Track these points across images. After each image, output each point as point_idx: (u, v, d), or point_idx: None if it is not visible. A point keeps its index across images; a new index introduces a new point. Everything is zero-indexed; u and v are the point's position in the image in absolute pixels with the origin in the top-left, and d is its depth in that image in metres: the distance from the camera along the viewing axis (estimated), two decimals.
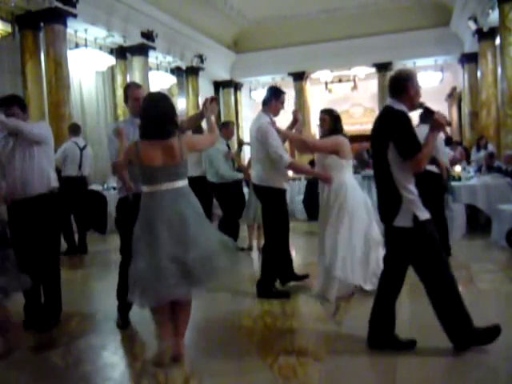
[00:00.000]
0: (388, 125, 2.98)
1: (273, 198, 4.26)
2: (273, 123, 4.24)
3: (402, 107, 2.97)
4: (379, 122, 3.10)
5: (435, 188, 5.34)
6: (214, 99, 3.34)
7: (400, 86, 3.03)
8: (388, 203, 3.07)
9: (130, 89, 3.69)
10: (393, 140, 2.91)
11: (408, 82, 3.02)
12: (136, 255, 2.90)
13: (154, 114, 2.92)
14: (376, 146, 3.10)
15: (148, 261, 2.81)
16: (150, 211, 2.88)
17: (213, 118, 3.32)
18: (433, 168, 5.28)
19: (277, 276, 4.46)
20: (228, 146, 6.37)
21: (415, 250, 3.03)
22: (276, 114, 4.34)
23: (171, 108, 3.01)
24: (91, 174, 7.46)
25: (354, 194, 4.27)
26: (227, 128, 6.49)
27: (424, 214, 2.96)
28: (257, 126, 4.25)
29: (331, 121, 4.37)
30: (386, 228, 3.19)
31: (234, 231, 6.22)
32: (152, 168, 2.89)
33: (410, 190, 2.96)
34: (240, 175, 6.40)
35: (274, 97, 4.31)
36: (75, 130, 7.05)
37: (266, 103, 4.33)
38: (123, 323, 3.71)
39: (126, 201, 3.50)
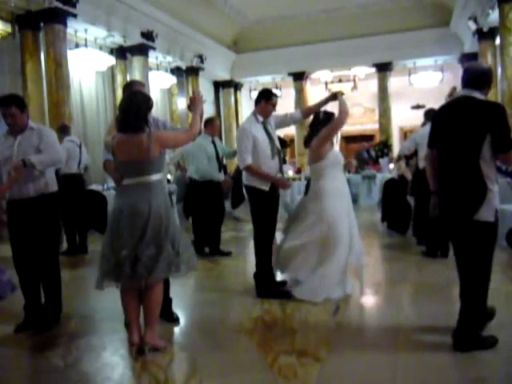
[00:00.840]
0: (488, 117, 2.88)
1: (254, 197, 4.30)
2: (263, 123, 4.31)
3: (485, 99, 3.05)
4: (472, 113, 2.94)
5: None
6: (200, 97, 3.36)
7: (486, 78, 3.07)
8: (471, 196, 3.00)
9: (132, 87, 3.69)
10: (491, 132, 2.86)
11: (491, 76, 3.11)
12: (103, 243, 3.14)
13: (125, 108, 3.04)
14: (466, 137, 2.94)
15: (110, 248, 3.05)
16: (118, 203, 3.10)
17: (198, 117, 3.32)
18: None
19: (272, 273, 4.44)
20: (213, 142, 6.23)
21: (484, 243, 3.12)
22: (266, 115, 4.36)
23: (143, 103, 3.07)
24: (91, 174, 7.49)
25: (334, 203, 4.21)
26: (212, 124, 6.35)
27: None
28: (240, 127, 4.43)
29: (324, 120, 4.39)
30: (459, 223, 3.09)
31: (204, 233, 6.22)
32: (122, 162, 3.07)
33: (494, 184, 3.04)
34: (221, 177, 6.20)
35: (264, 98, 4.35)
36: (66, 129, 7.18)
37: (256, 104, 4.41)
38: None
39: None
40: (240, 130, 4.39)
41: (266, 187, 4.25)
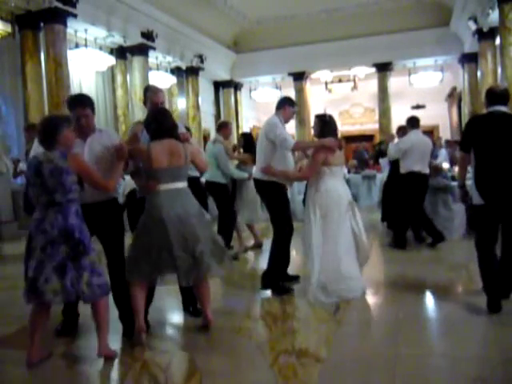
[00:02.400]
0: None
1: (275, 192, 4.42)
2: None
3: None
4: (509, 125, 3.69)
5: (422, 187, 6.20)
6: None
7: (508, 96, 3.78)
8: None
9: (149, 92, 3.81)
10: None
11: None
12: (142, 244, 3.33)
13: (162, 119, 3.40)
14: (509, 143, 3.66)
15: (157, 251, 3.26)
16: (156, 208, 3.28)
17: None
18: (423, 169, 6.13)
19: (283, 269, 4.55)
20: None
21: None
22: (287, 119, 4.56)
23: (174, 120, 3.56)
24: None
25: (327, 199, 4.23)
26: (226, 127, 6.43)
27: None
28: (266, 122, 4.54)
29: (319, 126, 4.44)
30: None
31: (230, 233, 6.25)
32: (159, 169, 3.29)
33: None
34: (245, 174, 6.29)
35: (288, 103, 4.55)
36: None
37: (279, 107, 4.54)
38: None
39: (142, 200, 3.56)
40: (271, 123, 4.44)
41: (287, 184, 4.54)
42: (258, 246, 6.65)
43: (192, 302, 3.89)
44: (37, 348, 3.06)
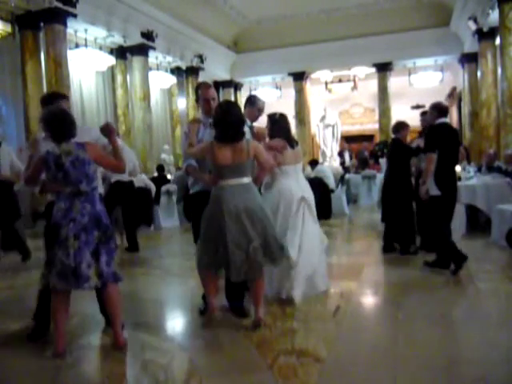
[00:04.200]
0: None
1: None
2: (251, 127, 4.21)
3: None
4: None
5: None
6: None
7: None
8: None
9: (203, 89, 3.84)
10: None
11: None
12: (207, 239, 3.44)
13: (230, 120, 3.39)
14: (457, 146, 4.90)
15: (214, 244, 3.38)
16: (220, 203, 3.37)
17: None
18: None
19: None
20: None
21: None
22: (252, 119, 4.37)
23: (242, 115, 3.55)
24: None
25: (280, 198, 4.20)
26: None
27: None
28: None
29: (269, 125, 4.32)
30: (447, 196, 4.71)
31: None
32: (223, 166, 3.39)
33: None
34: None
35: (248, 103, 4.44)
36: None
37: (243, 108, 4.37)
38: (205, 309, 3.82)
39: (197, 196, 3.74)
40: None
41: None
42: None
43: (238, 301, 3.85)
44: (63, 337, 3.15)
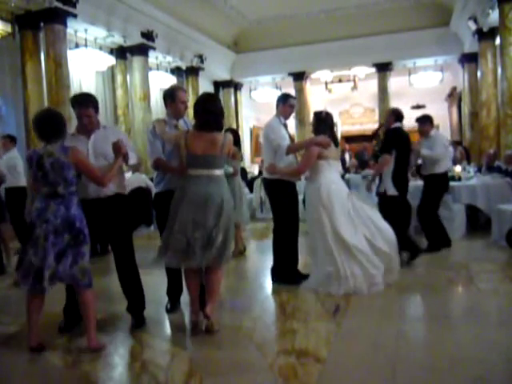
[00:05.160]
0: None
1: (279, 190, 4.59)
2: (284, 125, 4.70)
3: None
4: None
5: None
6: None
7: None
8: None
9: (180, 92, 3.93)
10: None
11: None
12: (168, 226, 3.46)
13: (210, 108, 3.46)
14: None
15: (182, 231, 3.36)
16: (184, 190, 3.41)
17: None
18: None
19: (291, 266, 4.65)
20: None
21: None
22: (286, 116, 4.79)
23: (222, 107, 3.62)
24: None
25: (330, 196, 4.35)
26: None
27: None
28: (266, 125, 4.78)
29: (315, 123, 4.62)
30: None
31: None
32: (194, 155, 3.41)
33: None
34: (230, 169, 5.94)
35: (282, 101, 4.74)
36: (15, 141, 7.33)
37: (276, 107, 4.77)
38: (171, 307, 4.02)
39: (165, 195, 3.74)
40: (268, 125, 4.70)
41: (295, 179, 4.70)
42: (239, 253, 6.20)
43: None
44: (35, 333, 3.24)
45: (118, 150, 3.42)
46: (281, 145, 4.51)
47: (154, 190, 8.90)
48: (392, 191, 5.15)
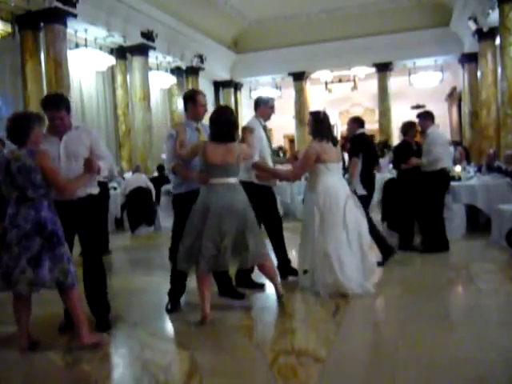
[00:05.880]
0: None
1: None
2: (263, 127, 4.69)
3: None
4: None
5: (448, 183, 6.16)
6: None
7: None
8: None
9: (200, 96, 4.04)
10: None
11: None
12: (188, 234, 3.60)
13: (227, 121, 3.67)
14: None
15: (192, 238, 3.55)
16: (206, 200, 3.57)
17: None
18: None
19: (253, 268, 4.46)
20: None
21: None
22: (266, 118, 4.76)
23: (235, 118, 3.85)
24: None
25: (325, 198, 4.27)
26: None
27: None
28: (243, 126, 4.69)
29: (314, 123, 4.45)
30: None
31: None
32: (214, 165, 3.59)
33: None
34: None
35: (263, 102, 4.73)
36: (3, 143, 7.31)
37: (255, 109, 4.76)
38: (172, 307, 4.00)
39: (186, 196, 3.84)
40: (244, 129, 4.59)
41: (271, 183, 4.65)
42: None
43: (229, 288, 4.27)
44: (25, 334, 3.26)
45: (89, 168, 3.38)
46: (253, 154, 4.31)
47: (153, 191, 8.92)
48: (361, 191, 5.29)
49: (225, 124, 3.66)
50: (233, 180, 3.67)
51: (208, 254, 3.52)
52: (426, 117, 6.04)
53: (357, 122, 5.79)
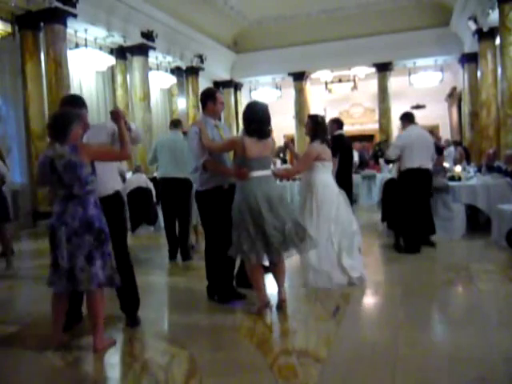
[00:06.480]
0: None
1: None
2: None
3: None
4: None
5: (422, 183, 6.00)
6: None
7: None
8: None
9: (219, 94, 4.22)
10: None
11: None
12: (239, 226, 3.71)
13: (263, 117, 3.82)
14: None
15: (251, 230, 3.66)
16: (253, 192, 3.70)
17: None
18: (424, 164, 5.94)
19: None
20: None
21: None
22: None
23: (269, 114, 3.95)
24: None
25: (324, 192, 4.61)
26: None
27: None
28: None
29: (312, 126, 4.72)
30: None
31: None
32: (254, 158, 3.75)
33: None
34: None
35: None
36: None
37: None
38: (225, 297, 4.08)
39: (213, 192, 3.96)
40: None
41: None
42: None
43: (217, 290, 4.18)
44: (59, 330, 3.27)
45: (117, 115, 3.42)
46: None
47: (154, 191, 8.90)
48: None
49: (267, 120, 3.84)
50: (269, 172, 3.90)
51: (277, 242, 3.66)
52: (403, 118, 6.28)
53: (336, 123, 6.07)
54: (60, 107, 3.62)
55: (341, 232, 4.55)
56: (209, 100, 4.14)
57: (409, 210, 5.88)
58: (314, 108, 16.42)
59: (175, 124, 6.29)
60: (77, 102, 3.62)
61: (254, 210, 3.67)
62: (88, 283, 3.09)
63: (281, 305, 3.85)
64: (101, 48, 10.99)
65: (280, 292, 3.90)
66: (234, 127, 16.33)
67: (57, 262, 3.12)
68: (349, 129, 18.71)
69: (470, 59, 13.66)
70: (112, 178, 3.62)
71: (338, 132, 5.91)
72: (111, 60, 11.13)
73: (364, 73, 16.39)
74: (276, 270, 3.95)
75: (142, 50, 11.78)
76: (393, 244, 6.13)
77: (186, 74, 14.36)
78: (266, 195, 3.71)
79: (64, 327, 3.58)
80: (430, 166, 6.04)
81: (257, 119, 3.79)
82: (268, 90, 17.07)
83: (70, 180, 3.08)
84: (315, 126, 4.70)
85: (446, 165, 8.35)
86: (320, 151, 4.59)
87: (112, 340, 3.31)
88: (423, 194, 6.01)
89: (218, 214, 3.99)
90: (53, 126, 3.17)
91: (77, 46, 10.30)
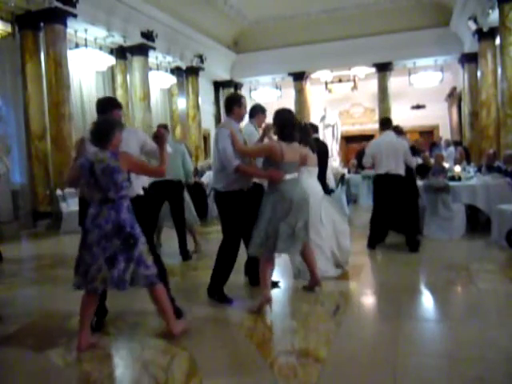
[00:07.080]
0: None
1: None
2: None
3: None
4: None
5: (392, 188, 6.17)
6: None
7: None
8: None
9: (243, 99, 4.36)
10: None
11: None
12: (265, 224, 3.93)
13: (293, 122, 4.11)
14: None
15: (287, 225, 3.92)
16: (289, 194, 3.95)
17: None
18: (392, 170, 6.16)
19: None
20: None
21: None
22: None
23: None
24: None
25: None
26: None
27: None
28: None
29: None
30: None
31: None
32: (289, 162, 4.00)
33: None
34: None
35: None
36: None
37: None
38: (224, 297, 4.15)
39: (235, 194, 4.10)
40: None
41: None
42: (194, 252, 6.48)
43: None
44: (86, 333, 3.30)
45: (161, 140, 3.58)
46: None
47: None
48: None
49: (296, 126, 4.11)
50: (297, 175, 4.16)
51: (285, 234, 3.88)
52: (380, 123, 6.69)
53: (313, 127, 6.18)
54: (97, 109, 3.71)
55: (329, 233, 4.90)
56: (235, 105, 4.28)
57: (382, 212, 6.30)
58: (314, 108, 16.43)
59: (164, 128, 6.35)
60: (112, 103, 3.75)
61: (286, 209, 3.91)
62: (102, 283, 3.17)
63: (316, 284, 4.30)
64: (101, 48, 10.99)
65: (314, 274, 4.31)
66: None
67: (80, 262, 3.22)
68: (349, 129, 18.77)
69: (469, 59, 13.66)
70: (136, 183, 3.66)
71: (315, 136, 6.01)
72: (111, 60, 11.13)
73: (364, 73, 16.38)
74: (305, 257, 4.34)
75: (141, 50, 11.78)
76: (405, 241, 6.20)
77: (186, 74, 14.36)
78: (300, 197, 3.99)
79: (93, 328, 3.57)
80: (400, 171, 6.13)
81: (289, 124, 4.04)
82: (268, 90, 17.07)
83: (106, 184, 3.17)
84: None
85: (446, 165, 8.36)
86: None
87: (186, 321, 3.53)
88: (396, 198, 6.11)
89: (239, 214, 4.13)
90: (96, 132, 3.26)
91: (77, 46, 10.30)
